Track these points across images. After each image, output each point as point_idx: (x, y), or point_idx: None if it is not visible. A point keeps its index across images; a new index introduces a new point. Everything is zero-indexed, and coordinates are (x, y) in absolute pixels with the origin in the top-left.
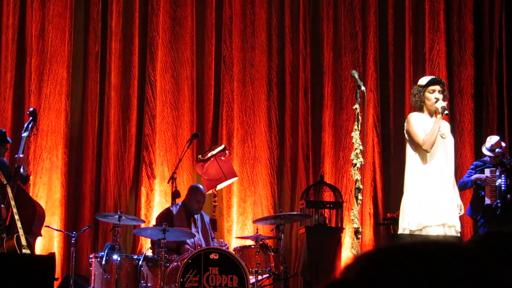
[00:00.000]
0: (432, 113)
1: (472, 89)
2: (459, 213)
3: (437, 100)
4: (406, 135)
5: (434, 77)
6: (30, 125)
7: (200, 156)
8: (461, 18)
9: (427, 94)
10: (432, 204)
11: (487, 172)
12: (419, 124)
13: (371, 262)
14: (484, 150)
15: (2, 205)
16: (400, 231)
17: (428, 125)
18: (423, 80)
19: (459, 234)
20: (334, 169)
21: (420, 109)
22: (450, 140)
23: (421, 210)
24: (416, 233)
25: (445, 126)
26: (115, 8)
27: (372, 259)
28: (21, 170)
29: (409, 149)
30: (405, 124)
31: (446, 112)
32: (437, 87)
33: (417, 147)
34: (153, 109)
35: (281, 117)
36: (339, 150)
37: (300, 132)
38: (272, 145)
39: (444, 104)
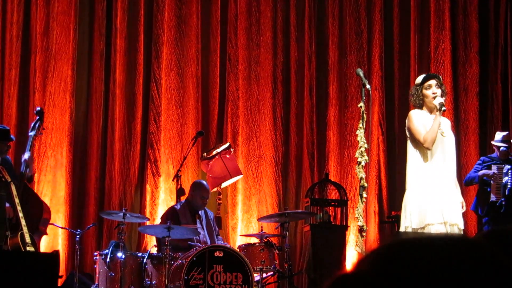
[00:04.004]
0: (432, 110)
1: (477, 87)
2: (462, 211)
3: (435, 96)
4: (407, 132)
5: (428, 73)
6: (37, 125)
7: (205, 154)
8: (466, 16)
9: (424, 91)
10: (434, 201)
11: (494, 168)
12: (420, 121)
13: (385, 255)
14: (495, 143)
15: (7, 203)
16: (402, 229)
17: (428, 122)
18: (418, 79)
19: (462, 233)
20: (339, 167)
21: (420, 108)
22: (449, 138)
23: (423, 208)
24: (419, 231)
25: (445, 123)
26: (120, 6)
27: (386, 251)
28: (27, 170)
29: (410, 146)
30: (406, 121)
31: (443, 108)
32: (433, 82)
33: (417, 144)
34: (158, 107)
35: (286, 115)
36: (344, 148)
37: (305, 130)
38: (277, 143)
39: (442, 100)
